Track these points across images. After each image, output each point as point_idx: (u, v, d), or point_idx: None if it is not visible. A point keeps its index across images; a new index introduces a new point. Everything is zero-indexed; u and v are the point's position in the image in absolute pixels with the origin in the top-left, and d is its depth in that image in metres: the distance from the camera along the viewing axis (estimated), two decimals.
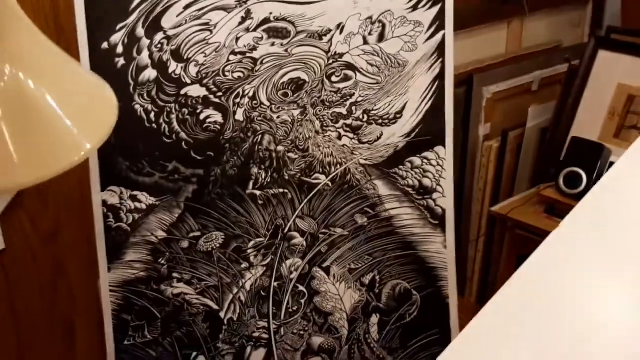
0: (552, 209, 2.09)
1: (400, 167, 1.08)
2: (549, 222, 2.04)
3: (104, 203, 1.01)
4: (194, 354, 1.09)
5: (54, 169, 0.54)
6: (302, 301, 1.11)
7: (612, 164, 1.95)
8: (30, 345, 1.23)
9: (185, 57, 0.99)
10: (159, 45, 0.98)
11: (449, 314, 1.13)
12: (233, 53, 1.00)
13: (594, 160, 2.00)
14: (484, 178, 2.15)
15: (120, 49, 0.97)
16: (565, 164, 2.06)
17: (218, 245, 1.06)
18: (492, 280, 2.27)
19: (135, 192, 1.02)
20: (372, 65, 1.04)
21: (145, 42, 0.98)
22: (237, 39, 1.00)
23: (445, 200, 1.10)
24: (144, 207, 1.03)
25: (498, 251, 2.28)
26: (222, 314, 1.09)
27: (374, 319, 1.13)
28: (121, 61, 0.97)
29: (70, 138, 0.59)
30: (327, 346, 1.13)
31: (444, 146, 1.08)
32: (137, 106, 0.99)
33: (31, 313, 1.22)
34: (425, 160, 1.08)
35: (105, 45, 0.97)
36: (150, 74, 0.98)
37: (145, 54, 0.97)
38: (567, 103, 2.09)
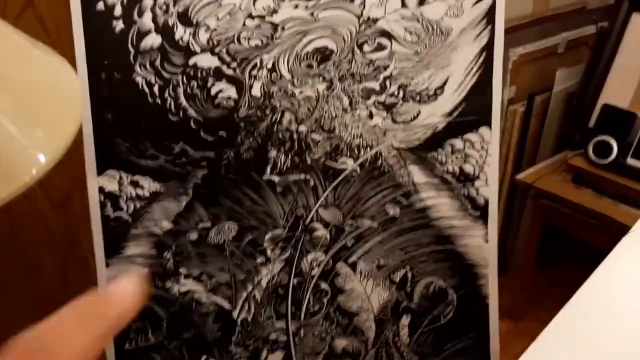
0: (580, 178, 1.96)
1: (439, 150, 0.92)
2: (577, 192, 1.91)
3: (101, 189, 0.86)
4: (204, 358, 0.94)
5: None
6: (325, 300, 0.96)
7: None
8: (45, 309, 1.14)
9: (194, 21, 0.82)
10: (164, 7, 0.81)
11: (488, 316, 0.98)
12: (250, 17, 0.83)
13: (625, 129, 1.86)
14: (507, 143, 2.02)
15: (118, 11, 0.81)
16: (595, 132, 1.92)
17: (231, 238, 0.91)
18: (511, 248, 2.15)
19: (136, 177, 0.86)
20: (410, 33, 0.87)
21: (148, 2, 0.81)
22: (255, 0, 0.83)
23: (489, 189, 0.94)
24: (146, 194, 0.87)
25: (518, 219, 2.16)
26: (235, 314, 0.94)
27: (405, 320, 0.98)
28: (119, 25, 0.81)
29: (16, 153, 0.38)
30: (351, 350, 0.98)
31: (490, 127, 0.91)
32: (138, 78, 0.82)
33: (45, 282, 1.17)
34: (468, 143, 0.92)
35: (100, 5, 0.80)
36: (154, 40, 0.82)
37: (147, 16, 0.81)
38: (596, 68, 1.94)
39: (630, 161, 1.92)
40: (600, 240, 1.90)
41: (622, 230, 1.92)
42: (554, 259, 2.53)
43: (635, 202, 1.89)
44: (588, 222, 1.95)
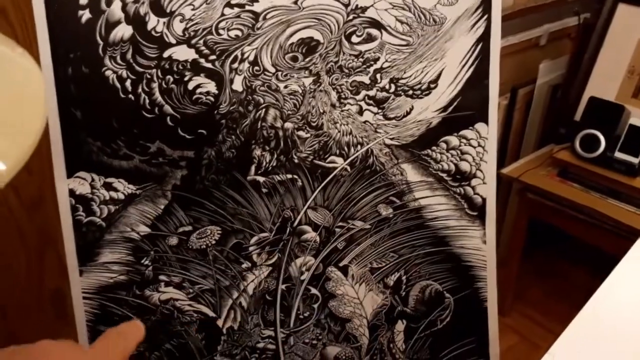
0: (566, 173, 1.88)
1: (434, 148, 0.82)
2: (563, 187, 1.83)
3: (72, 193, 0.75)
4: None
5: None
6: (315, 306, 0.86)
7: (631, 126, 1.73)
8: (19, 316, 1.12)
9: (167, 10, 0.72)
10: None
11: (487, 320, 0.88)
12: (229, 5, 0.73)
13: (612, 122, 1.77)
14: None
15: None
16: (582, 125, 1.83)
17: (214, 242, 0.81)
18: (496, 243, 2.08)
19: (110, 179, 0.76)
20: (402, 22, 0.77)
21: None
22: None
23: (486, 188, 0.84)
24: (121, 196, 0.77)
25: (501, 213, 2.08)
26: (219, 322, 0.84)
27: (400, 325, 0.88)
28: (86, 14, 0.70)
29: None
30: (344, 357, 0.88)
31: (487, 123, 0.82)
32: (108, 72, 0.72)
33: (17, 284, 1.09)
34: (464, 140, 0.82)
35: None
36: (124, 31, 0.71)
37: (116, 5, 0.70)
38: (581, 60, 1.86)
39: (618, 155, 1.83)
40: (588, 234, 1.81)
41: (610, 225, 1.83)
42: (537, 250, 2.44)
43: (623, 196, 1.80)
44: (575, 217, 1.86)
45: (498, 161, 2.02)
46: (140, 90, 0.74)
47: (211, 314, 0.84)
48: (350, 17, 0.77)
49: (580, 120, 1.86)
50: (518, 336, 2.08)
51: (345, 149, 0.81)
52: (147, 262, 0.80)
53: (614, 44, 1.86)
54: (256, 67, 0.76)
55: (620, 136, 1.78)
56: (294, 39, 0.76)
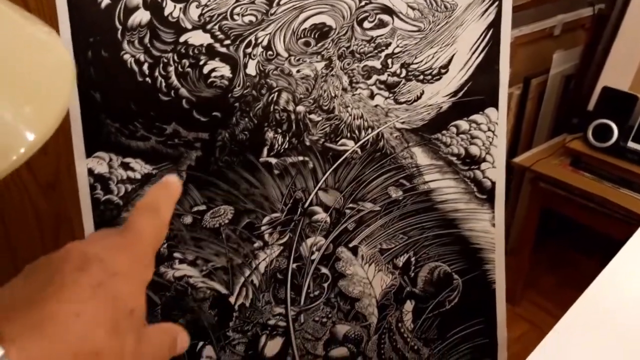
0: (579, 162, 1.87)
1: (444, 132, 0.83)
2: (575, 176, 1.83)
3: (90, 172, 0.77)
4: (200, 344, 0.86)
5: None
6: (325, 285, 0.88)
7: None
8: None
9: None
10: None
11: (495, 302, 0.89)
12: None
13: (626, 112, 1.76)
14: None
15: None
16: (595, 115, 1.82)
17: (227, 221, 0.82)
18: (506, 232, 2.08)
19: (127, 159, 0.78)
20: (413, 8, 0.78)
21: None
22: None
23: (495, 172, 0.85)
24: (138, 176, 0.79)
25: (513, 203, 2.08)
26: (232, 299, 0.86)
27: (408, 305, 0.89)
28: (105, 0, 0.71)
29: (2, 130, 0.33)
30: (353, 335, 0.90)
31: (497, 108, 0.82)
32: (126, 56, 0.74)
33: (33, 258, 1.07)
34: (474, 125, 0.83)
35: None
36: (142, 16, 0.73)
37: None
38: (595, 50, 1.84)
39: (631, 144, 1.81)
40: (599, 223, 1.81)
41: (622, 214, 1.82)
42: (549, 240, 2.43)
43: (636, 186, 1.78)
44: (586, 206, 1.86)
45: (510, 151, 2.02)
46: (157, 73, 0.75)
47: (224, 291, 0.86)
48: (362, 3, 0.78)
49: (593, 110, 1.85)
50: (528, 324, 2.08)
51: (356, 132, 0.82)
52: None
53: (628, 35, 1.84)
54: (269, 52, 0.77)
55: (633, 126, 1.76)
56: (307, 24, 0.77)
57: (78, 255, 0.37)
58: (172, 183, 0.46)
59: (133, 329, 0.37)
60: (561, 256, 2.50)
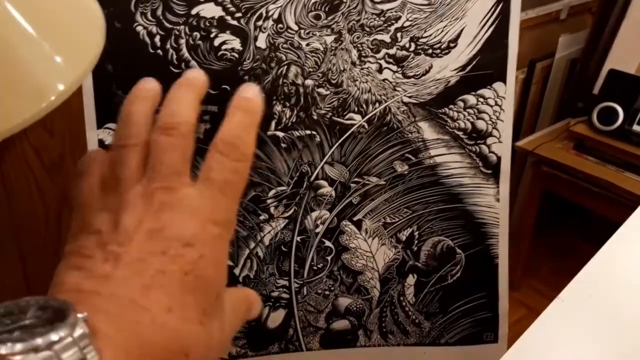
0: (582, 146, 1.93)
1: (451, 106, 0.88)
2: (579, 160, 1.89)
3: (101, 143, 0.82)
4: None
5: (18, 118, 0.32)
6: (329, 258, 0.93)
7: None
8: (37, 272, 1.19)
9: None
10: None
11: (497, 276, 0.95)
12: None
13: (632, 95, 1.82)
14: None
15: None
16: (600, 98, 1.88)
17: None
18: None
19: None
20: None
21: None
22: None
23: (501, 147, 0.90)
24: None
25: (514, 187, 2.14)
26: (236, 271, 0.91)
27: (411, 279, 0.95)
28: None
29: (46, 68, 0.35)
30: (355, 308, 0.95)
31: (505, 82, 0.87)
32: (139, 27, 0.78)
33: (37, 243, 1.17)
34: (481, 99, 0.88)
35: None
36: None
37: None
38: (602, 33, 1.90)
39: (637, 128, 1.87)
40: (603, 208, 1.87)
41: (626, 198, 1.88)
42: (550, 227, 2.50)
43: None
44: (590, 190, 1.92)
45: (514, 135, 2.08)
46: (168, 45, 0.80)
47: (229, 262, 0.91)
48: None
49: (598, 93, 1.91)
50: (526, 309, 2.16)
51: (364, 106, 0.87)
52: None
53: (635, 18, 1.89)
54: (280, 25, 0.82)
55: (639, 109, 1.82)
56: None
57: (161, 240, 0.36)
58: (254, 102, 0.48)
59: (218, 314, 0.37)
60: (563, 243, 2.57)
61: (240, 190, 0.44)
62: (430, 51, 0.85)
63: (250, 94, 0.48)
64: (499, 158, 0.91)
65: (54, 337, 0.28)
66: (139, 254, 0.35)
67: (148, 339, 0.31)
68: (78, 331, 0.29)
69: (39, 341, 0.28)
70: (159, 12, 0.78)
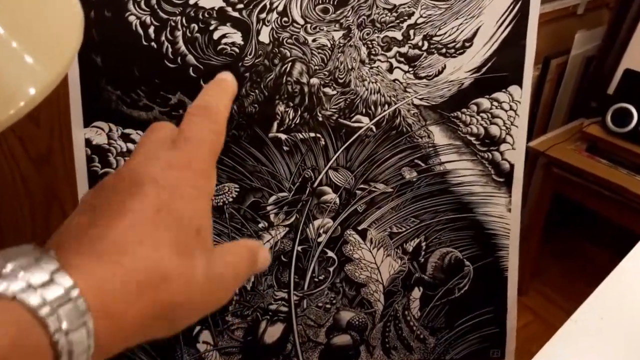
0: (595, 148, 1.93)
1: (464, 110, 0.87)
2: (591, 162, 1.89)
3: (88, 142, 0.80)
4: (197, 328, 0.91)
5: None
6: (331, 269, 0.92)
7: None
8: None
9: None
10: None
11: (506, 289, 0.95)
12: None
13: None
14: None
15: None
16: (615, 99, 1.88)
17: (231, 200, 0.86)
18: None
19: (128, 130, 0.81)
20: None
21: None
22: None
23: (515, 154, 0.89)
24: None
25: (526, 190, 2.14)
26: None
27: (416, 292, 0.95)
28: None
29: (15, 70, 0.33)
30: (357, 322, 0.95)
31: (521, 86, 0.86)
32: (131, 17, 0.76)
33: (22, 240, 1.10)
34: (495, 103, 0.87)
35: None
36: None
37: None
38: (619, 31, 1.89)
39: None
40: (613, 212, 1.88)
41: (637, 203, 1.89)
42: (557, 229, 2.51)
43: None
44: (601, 194, 1.92)
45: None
46: (163, 38, 0.78)
47: None
48: None
49: (613, 93, 1.90)
50: (533, 315, 2.17)
51: (372, 108, 0.86)
52: None
53: None
54: (285, 18, 0.80)
55: None
56: None
57: (133, 178, 0.39)
58: (226, 80, 0.50)
59: (202, 249, 0.39)
60: (571, 247, 2.59)
61: (217, 150, 0.47)
62: (444, 50, 0.84)
63: (225, 75, 0.53)
64: (512, 166, 0.90)
65: (30, 278, 0.33)
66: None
67: (122, 268, 0.34)
68: (51, 267, 0.33)
69: (21, 283, 0.32)
70: (154, 1, 0.77)
